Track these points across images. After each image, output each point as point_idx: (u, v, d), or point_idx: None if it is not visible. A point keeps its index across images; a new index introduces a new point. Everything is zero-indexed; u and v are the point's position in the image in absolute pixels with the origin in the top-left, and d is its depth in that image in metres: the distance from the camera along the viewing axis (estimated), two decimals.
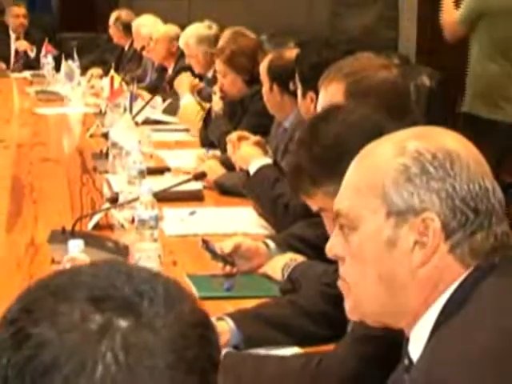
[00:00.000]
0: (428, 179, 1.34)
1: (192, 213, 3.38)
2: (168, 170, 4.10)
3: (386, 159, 1.38)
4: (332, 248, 1.47)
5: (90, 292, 0.90)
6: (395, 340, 1.50)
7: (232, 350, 2.15)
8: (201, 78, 5.59)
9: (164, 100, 5.75)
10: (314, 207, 2.04)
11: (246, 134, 3.72)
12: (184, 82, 5.44)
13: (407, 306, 1.39)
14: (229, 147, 3.62)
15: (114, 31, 7.90)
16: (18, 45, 8.60)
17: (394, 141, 1.40)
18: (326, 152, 1.98)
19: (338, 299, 2.16)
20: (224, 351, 2.06)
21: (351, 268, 1.44)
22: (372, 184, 1.38)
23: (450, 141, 1.38)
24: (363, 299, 1.44)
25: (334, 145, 1.97)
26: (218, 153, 4.26)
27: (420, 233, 1.34)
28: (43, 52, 7.55)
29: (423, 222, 1.34)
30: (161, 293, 0.91)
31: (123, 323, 0.87)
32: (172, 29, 6.53)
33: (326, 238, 2.78)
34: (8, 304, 0.93)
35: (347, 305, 1.47)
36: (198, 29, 5.61)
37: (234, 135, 3.66)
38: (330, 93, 2.47)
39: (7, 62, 8.48)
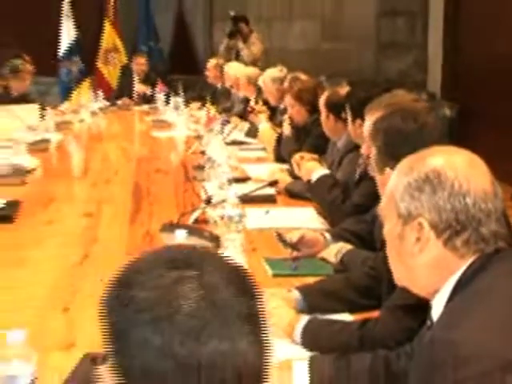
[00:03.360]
0: (420, 194, 1.40)
1: (267, 212, 3.39)
2: (249, 179, 4.12)
3: (399, 175, 1.45)
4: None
5: (163, 258, 0.92)
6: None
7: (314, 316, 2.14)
8: (273, 108, 5.63)
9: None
10: None
11: (303, 154, 3.73)
12: (261, 114, 5.57)
13: (422, 283, 1.43)
14: (294, 166, 3.63)
15: (212, 73, 7.98)
16: (138, 87, 8.79)
17: (409, 160, 1.45)
18: (386, 138, 2.07)
19: (377, 278, 2.17)
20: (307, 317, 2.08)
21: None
22: (390, 193, 1.45)
23: (445, 162, 1.40)
24: (394, 272, 1.50)
25: (393, 137, 2.03)
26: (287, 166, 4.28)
27: (418, 231, 1.40)
28: (157, 90, 7.73)
29: (419, 225, 1.39)
30: (209, 257, 0.94)
31: (192, 273, 0.90)
32: (251, 70, 6.64)
33: (370, 231, 2.80)
34: None
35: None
36: (273, 71, 5.66)
37: (296, 157, 3.66)
38: (372, 120, 2.46)
39: (131, 98, 8.67)
